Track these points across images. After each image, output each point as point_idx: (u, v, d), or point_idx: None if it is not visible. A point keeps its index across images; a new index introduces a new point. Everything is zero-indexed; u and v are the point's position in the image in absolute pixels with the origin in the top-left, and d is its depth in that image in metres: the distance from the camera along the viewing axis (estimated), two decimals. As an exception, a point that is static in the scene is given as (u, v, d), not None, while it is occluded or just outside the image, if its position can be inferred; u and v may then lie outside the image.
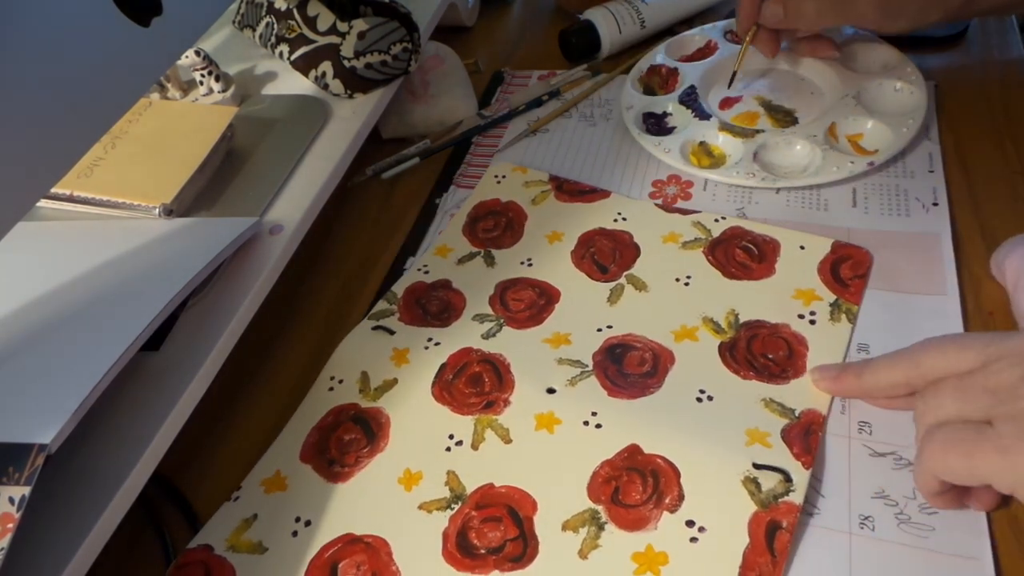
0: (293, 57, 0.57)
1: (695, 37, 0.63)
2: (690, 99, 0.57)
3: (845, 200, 0.48)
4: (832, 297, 0.42)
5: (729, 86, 0.50)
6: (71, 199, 0.48)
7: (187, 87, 0.59)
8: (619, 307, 0.44)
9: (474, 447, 0.39)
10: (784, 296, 0.43)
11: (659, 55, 0.61)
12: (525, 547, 0.35)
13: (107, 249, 0.44)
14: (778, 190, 0.50)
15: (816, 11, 0.49)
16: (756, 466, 0.35)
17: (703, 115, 0.55)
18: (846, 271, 0.44)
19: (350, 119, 0.54)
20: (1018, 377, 0.29)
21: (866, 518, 0.33)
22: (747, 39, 0.52)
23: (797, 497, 0.34)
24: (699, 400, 0.39)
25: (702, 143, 0.54)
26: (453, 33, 0.72)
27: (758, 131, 0.53)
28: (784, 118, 0.55)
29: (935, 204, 0.46)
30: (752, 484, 0.35)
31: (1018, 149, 0.49)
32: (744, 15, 0.52)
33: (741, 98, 0.57)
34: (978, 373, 0.30)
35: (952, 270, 0.42)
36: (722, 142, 0.53)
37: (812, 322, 0.41)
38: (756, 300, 0.43)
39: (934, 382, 0.32)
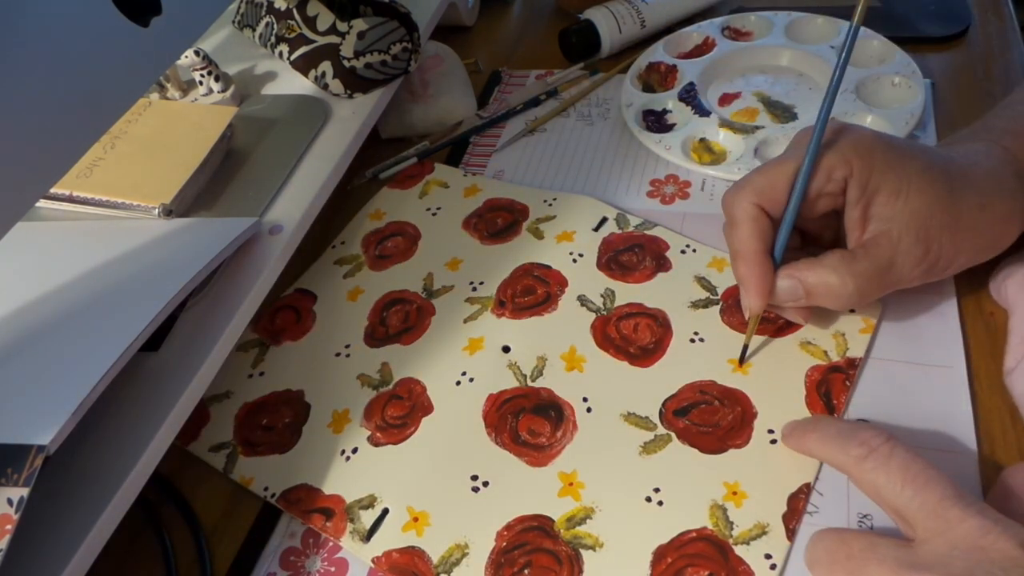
0: (293, 57, 0.57)
1: (693, 34, 0.63)
2: (689, 96, 0.57)
3: (845, 198, 0.48)
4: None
5: (741, 362, 0.40)
6: (71, 199, 0.48)
7: (187, 87, 0.59)
8: None
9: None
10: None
11: (658, 52, 0.61)
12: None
13: (107, 249, 0.44)
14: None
15: (856, 288, 0.36)
16: None
17: (703, 111, 0.55)
18: (846, 269, 0.43)
19: (350, 119, 0.54)
20: None
21: (864, 515, 0.33)
22: (754, 322, 0.40)
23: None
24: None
25: (703, 140, 0.54)
26: (453, 33, 0.72)
27: (758, 127, 0.53)
28: (783, 114, 0.55)
29: (935, 202, 0.46)
30: None
31: (1018, 147, 0.49)
32: (756, 293, 0.38)
33: (740, 94, 0.57)
34: None
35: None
36: (723, 138, 0.53)
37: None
38: None
39: None
